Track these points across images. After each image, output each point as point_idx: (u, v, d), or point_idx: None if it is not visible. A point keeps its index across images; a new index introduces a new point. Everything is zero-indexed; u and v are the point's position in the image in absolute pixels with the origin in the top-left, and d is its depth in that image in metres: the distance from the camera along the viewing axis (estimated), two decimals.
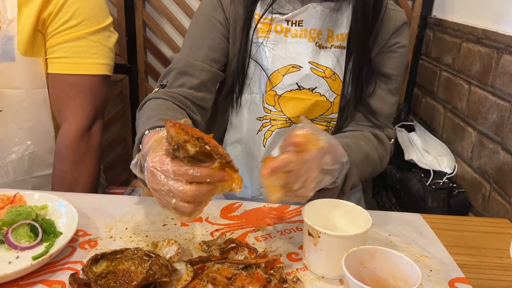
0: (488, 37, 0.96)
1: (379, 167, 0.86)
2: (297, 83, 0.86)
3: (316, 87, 0.86)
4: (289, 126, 0.88)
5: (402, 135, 1.20)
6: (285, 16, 0.85)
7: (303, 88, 0.86)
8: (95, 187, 1.00)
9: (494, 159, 0.91)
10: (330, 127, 0.90)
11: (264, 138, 0.90)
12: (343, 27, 0.85)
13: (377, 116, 0.87)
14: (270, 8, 0.86)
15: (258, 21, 0.86)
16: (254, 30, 0.87)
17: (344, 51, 0.86)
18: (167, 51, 1.41)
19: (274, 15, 0.86)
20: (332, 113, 0.88)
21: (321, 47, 0.86)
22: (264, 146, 0.91)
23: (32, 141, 0.97)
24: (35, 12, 0.90)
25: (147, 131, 0.68)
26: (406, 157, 1.12)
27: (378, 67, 0.88)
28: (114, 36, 1.01)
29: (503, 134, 0.88)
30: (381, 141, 0.85)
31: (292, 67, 0.86)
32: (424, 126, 1.25)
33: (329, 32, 0.86)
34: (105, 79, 0.99)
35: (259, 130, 0.91)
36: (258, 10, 0.87)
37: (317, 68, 0.86)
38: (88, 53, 0.94)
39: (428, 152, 1.14)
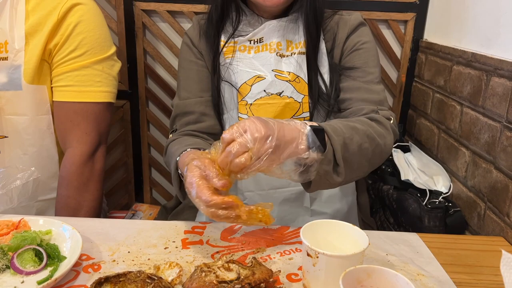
0: (477, 60, 0.99)
1: (381, 144, 0.82)
2: (264, 90, 0.95)
3: (282, 91, 0.95)
4: None
5: (398, 156, 1.22)
6: (246, 37, 0.98)
7: (271, 94, 0.95)
8: (98, 212, 1.01)
9: (488, 178, 0.93)
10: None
11: None
12: (300, 36, 0.97)
13: (368, 104, 0.91)
14: (232, 34, 0.98)
15: (224, 46, 0.98)
16: (221, 54, 0.99)
17: (304, 56, 0.96)
18: (167, 77, 1.45)
19: (237, 38, 0.98)
20: (303, 112, 0.96)
21: (282, 56, 0.97)
22: None
23: (36, 167, 0.98)
24: (42, 42, 0.93)
25: (178, 157, 0.82)
26: (403, 177, 1.14)
27: (351, 66, 0.96)
28: (118, 65, 1.04)
29: (495, 154, 0.90)
30: (377, 121, 0.85)
31: (258, 77, 0.96)
32: (419, 146, 1.27)
33: (288, 42, 0.98)
34: (108, 106, 1.02)
35: None
36: (223, 38, 0.99)
37: (280, 74, 0.96)
38: (92, 81, 0.98)
39: (424, 172, 1.16)
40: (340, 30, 0.98)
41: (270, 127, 0.65)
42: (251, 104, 0.95)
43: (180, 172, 0.81)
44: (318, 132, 0.70)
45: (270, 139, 0.64)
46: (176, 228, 0.82)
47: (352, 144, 0.75)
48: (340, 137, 0.73)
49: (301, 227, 0.65)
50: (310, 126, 0.70)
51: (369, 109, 0.89)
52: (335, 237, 0.67)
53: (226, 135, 0.66)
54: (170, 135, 1.00)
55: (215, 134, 0.99)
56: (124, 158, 1.52)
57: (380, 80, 0.97)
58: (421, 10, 1.33)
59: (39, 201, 1.01)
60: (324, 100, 0.95)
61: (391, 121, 0.88)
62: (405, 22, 1.35)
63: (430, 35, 1.32)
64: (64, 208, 0.97)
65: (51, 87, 0.98)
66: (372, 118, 0.85)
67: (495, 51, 0.95)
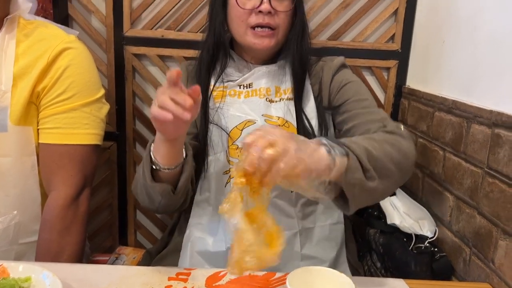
0: (458, 108, 1.02)
1: (403, 147, 0.83)
2: None
3: None
4: None
5: (384, 199, 1.23)
6: (236, 82, 1.01)
7: None
8: (80, 256, 0.99)
9: (472, 223, 0.94)
10: None
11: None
12: (288, 82, 1.01)
13: (373, 123, 0.91)
14: (222, 79, 1.01)
15: (212, 90, 1.01)
16: (210, 98, 1.00)
17: (292, 101, 0.99)
18: None
19: (226, 83, 1.01)
20: None
21: (271, 101, 1.00)
22: None
23: (18, 209, 0.97)
24: (30, 85, 0.93)
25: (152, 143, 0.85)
26: (389, 221, 1.14)
27: (343, 101, 0.98)
28: (106, 107, 1.05)
29: (478, 199, 0.92)
30: (389, 132, 0.86)
31: (248, 121, 0.98)
32: (404, 190, 1.28)
33: (276, 88, 1.01)
34: (95, 149, 1.01)
35: (226, 183, 0.98)
36: (212, 82, 1.02)
37: (270, 119, 0.98)
38: (80, 124, 0.98)
39: (409, 216, 1.17)
40: (325, 74, 1.02)
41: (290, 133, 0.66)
42: (241, 148, 0.96)
43: (152, 155, 0.84)
44: (336, 142, 0.71)
45: (292, 137, 0.64)
46: (160, 274, 0.80)
47: (374, 150, 0.76)
48: (360, 145, 0.74)
49: (288, 273, 0.64)
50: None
51: (376, 126, 0.89)
52: (321, 284, 0.67)
53: (248, 139, 0.64)
54: None
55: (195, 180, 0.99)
56: (109, 199, 1.50)
57: (375, 104, 0.98)
58: (403, 58, 1.38)
59: (19, 245, 0.98)
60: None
61: (402, 128, 0.89)
62: (388, 69, 1.40)
63: (412, 81, 1.37)
64: (46, 252, 0.95)
65: (38, 129, 0.98)
66: (383, 131, 0.86)
67: (473, 99, 0.98)
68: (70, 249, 0.96)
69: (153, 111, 0.71)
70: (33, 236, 0.98)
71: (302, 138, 0.68)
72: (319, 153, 0.67)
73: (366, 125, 0.92)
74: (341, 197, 0.75)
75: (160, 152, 0.83)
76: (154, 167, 0.84)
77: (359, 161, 0.72)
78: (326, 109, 1.01)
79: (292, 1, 0.97)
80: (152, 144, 0.85)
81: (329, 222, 1.04)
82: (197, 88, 0.73)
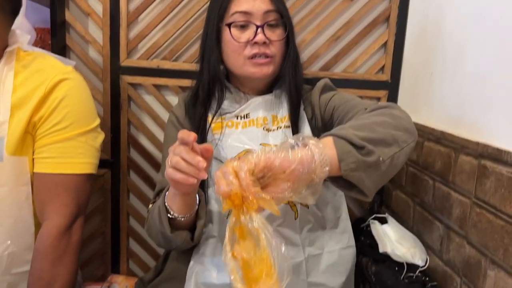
0: (446, 138, 1.05)
1: (393, 114, 0.82)
2: None
3: None
4: None
5: (376, 228, 1.24)
6: (233, 113, 1.03)
7: None
8: (73, 286, 0.99)
9: (461, 253, 0.95)
10: None
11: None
12: (284, 111, 1.03)
13: (362, 106, 0.93)
14: (220, 112, 1.03)
15: (211, 123, 1.03)
16: (208, 130, 1.02)
17: (290, 129, 1.01)
18: (150, 147, 1.47)
19: (224, 115, 1.03)
20: None
21: (268, 130, 1.02)
22: None
23: (11, 239, 0.97)
24: (27, 115, 0.94)
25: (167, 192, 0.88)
26: (381, 250, 1.15)
27: (332, 111, 1.00)
28: (101, 137, 1.06)
29: (467, 229, 0.93)
30: (375, 109, 0.86)
31: (247, 151, 0.98)
32: (396, 218, 1.30)
33: (273, 117, 1.03)
34: (89, 178, 1.02)
35: (228, 215, 0.97)
36: (210, 116, 1.04)
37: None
38: (75, 153, 0.99)
39: (401, 244, 1.18)
40: (313, 96, 1.05)
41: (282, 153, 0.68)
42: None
43: (167, 205, 0.87)
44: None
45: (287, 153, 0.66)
46: None
47: (362, 126, 0.75)
48: (345, 127, 0.76)
49: None
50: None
51: (364, 106, 0.91)
52: None
53: (252, 160, 0.66)
54: (150, 205, 1.00)
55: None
56: (102, 227, 1.50)
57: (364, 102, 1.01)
58: (393, 88, 1.42)
59: (12, 275, 0.98)
60: None
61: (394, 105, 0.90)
62: (379, 99, 1.43)
63: None
64: (38, 282, 0.94)
65: (33, 159, 0.99)
66: (369, 110, 0.86)
67: (461, 130, 1.01)
68: (62, 279, 0.96)
69: (169, 173, 0.75)
70: (26, 266, 0.98)
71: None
72: (289, 152, 0.68)
73: (354, 109, 0.93)
74: (353, 187, 0.74)
75: (175, 203, 0.87)
76: (169, 215, 0.88)
77: (349, 142, 0.72)
78: (321, 130, 1.03)
79: (284, 30, 1.00)
80: (167, 193, 0.88)
81: (339, 247, 1.04)
82: (209, 148, 0.76)
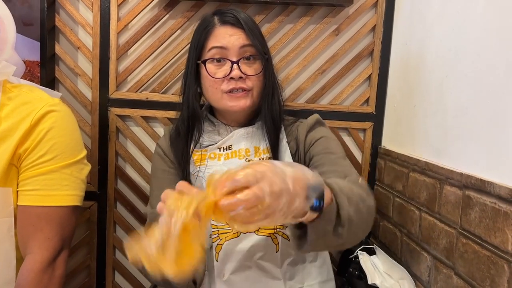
0: (430, 169, 1.07)
1: (367, 204, 0.81)
2: None
3: None
4: (237, 236, 0.96)
5: (364, 259, 1.24)
6: (216, 145, 1.04)
7: None
8: None
9: (449, 284, 0.95)
10: (278, 229, 0.98)
11: (216, 252, 0.97)
12: (266, 142, 1.03)
13: (338, 175, 0.91)
14: (200, 144, 1.04)
15: (193, 155, 1.03)
16: (191, 163, 1.02)
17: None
18: (137, 179, 1.47)
19: (207, 147, 1.04)
20: None
21: (250, 161, 0.99)
22: (217, 261, 0.97)
23: None
24: (12, 147, 0.93)
25: None
26: (370, 281, 1.14)
27: (314, 155, 1.01)
28: (87, 168, 1.06)
29: (454, 260, 0.94)
30: (362, 185, 0.86)
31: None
32: (384, 249, 1.30)
33: (256, 148, 1.04)
34: (74, 210, 1.01)
35: (210, 248, 0.97)
36: (192, 147, 1.04)
37: None
38: (59, 185, 0.98)
39: (390, 276, 1.17)
40: (300, 131, 1.06)
41: (285, 182, 0.58)
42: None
43: None
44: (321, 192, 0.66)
45: (284, 195, 0.57)
46: None
47: (353, 208, 0.72)
48: (344, 198, 0.71)
49: None
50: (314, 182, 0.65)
51: (337, 176, 0.90)
52: None
53: (240, 177, 0.56)
54: None
55: None
56: (87, 261, 1.47)
57: (345, 157, 1.02)
58: (378, 120, 1.45)
59: None
60: None
61: (360, 178, 0.88)
62: (364, 130, 1.46)
63: (387, 142, 1.43)
64: None
65: (17, 191, 0.97)
66: (351, 181, 0.85)
67: (445, 161, 1.03)
68: None
69: None
70: None
71: (297, 174, 0.61)
72: (300, 204, 0.60)
73: (329, 174, 0.94)
74: (300, 231, 0.71)
75: None
76: None
77: (337, 214, 0.70)
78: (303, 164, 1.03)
79: (261, 64, 1.01)
80: None
81: (319, 280, 1.04)
82: None
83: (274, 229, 0.97)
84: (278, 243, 0.99)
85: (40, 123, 0.96)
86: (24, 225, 0.96)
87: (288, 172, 0.59)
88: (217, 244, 0.97)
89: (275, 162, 0.61)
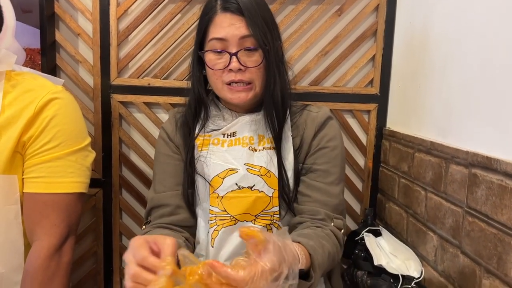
0: (436, 149, 1.06)
1: (336, 262, 0.91)
2: (236, 183, 0.97)
3: (254, 185, 0.97)
4: (235, 224, 0.96)
5: (370, 240, 1.24)
6: (220, 131, 1.02)
7: (243, 187, 0.97)
8: None
9: (456, 263, 0.95)
10: (274, 221, 0.98)
11: (211, 238, 0.98)
12: (271, 132, 1.00)
13: (324, 207, 0.95)
14: (205, 129, 1.03)
15: (196, 139, 1.03)
16: (195, 147, 1.02)
17: (274, 151, 0.99)
18: (141, 165, 1.47)
19: (211, 132, 1.03)
20: (273, 206, 0.97)
21: (254, 150, 1.00)
22: (213, 247, 0.97)
23: (0, 259, 0.95)
24: (16, 135, 0.94)
25: None
26: (376, 262, 1.14)
27: (314, 165, 1.00)
28: (92, 155, 1.06)
29: (460, 238, 0.93)
30: (338, 238, 0.92)
31: (230, 170, 0.98)
32: (389, 230, 1.30)
33: (260, 137, 1.02)
34: (80, 197, 1.01)
35: (207, 233, 0.98)
36: (197, 130, 1.03)
37: (252, 168, 0.98)
38: (65, 173, 0.98)
39: (396, 257, 1.17)
40: (308, 127, 1.02)
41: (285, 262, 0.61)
42: (222, 197, 0.97)
43: None
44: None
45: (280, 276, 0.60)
46: None
47: (322, 274, 0.84)
48: (319, 276, 0.78)
49: None
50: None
51: (325, 214, 0.94)
52: None
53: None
54: (143, 227, 1.00)
55: (189, 227, 1.01)
56: (94, 248, 1.48)
57: (341, 179, 1.01)
58: (382, 101, 1.43)
59: None
60: (286, 196, 0.98)
61: (342, 231, 0.95)
62: (368, 112, 1.45)
63: (392, 123, 1.41)
64: None
65: (22, 178, 0.98)
66: (334, 232, 0.92)
67: (450, 140, 1.02)
68: None
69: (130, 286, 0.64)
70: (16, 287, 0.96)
71: (294, 254, 0.64)
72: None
73: (319, 205, 0.96)
74: None
75: None
76: None
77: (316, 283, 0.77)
78: (301, 162, 1.02)
79: (261, 55, 0.96)
80: None
81: None
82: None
83: (270, 220, 0.97)
84: None
85: (44, 111, 0.96)
86: (30, 212, 0.97)
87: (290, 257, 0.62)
88: (214, 230, 0.97)
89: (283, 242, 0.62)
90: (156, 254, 0.64)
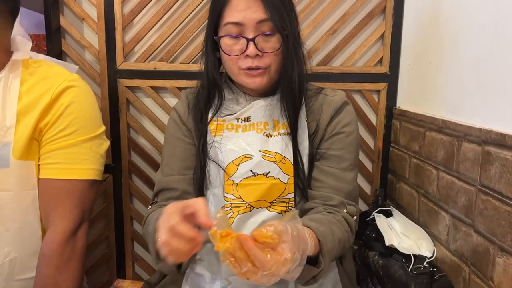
0: (448, 127, 1.04)
1: (346, 249, 0.92)
2: (251, 170, 0.95)
3: (269, 172, 0.95)
4: (250, 211, 0.95)
5: (381, 221, 1.23)
6: (234, 116, 1.00)
7: (258, 174, 0.95)
8: None
9: (469, 242, 0.94)
10: (289, 207, 0.96)
11: None
12: (286, 117, 0.98)
13: (338, 193, 0.95)
14: (219, 113, 1.00)
15: (209, 123, 1.01)
16: (208, 132, 0.99)
17: (290, 136, 0.98)
18: (150, 150, 1.47)
19: (224, 117, 1.00)
20: (288, 193, 0.95)
21: (269, 136, 0.98)
22: None
23: (17, 244, 0.97)
24: (33, 121, 0.95)
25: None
26: (387, 243, 1.14)
27: (329, 151, 0.99)
28: (106, 144, 1.06)
29: (473, 217, 0.92)
30: (350, 225, 0.92)
31: (245, 157, 0.96)
32: (401, 210, 1.29)
33: (275, 122, 0.99)
34: (94, 184, 1.02)
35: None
36: (210, 115, 1.01)
37: (267, 155, 0.96)
38: (79, 159, 0.99)
39: (407, 237, 1.17)
40: (324, 112, 1.00)
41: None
42: (237, 184, 0.95)
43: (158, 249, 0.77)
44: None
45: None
46: None
47: (332, 261, 0.84)
48: (328, 262, 0.79)
49: None
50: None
51: (339, 200, 0.94)
52: None
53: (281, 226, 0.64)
54: (149, 207, 1.00)
55: None
56: (106, 232, 1.49)
57: (355, 165, 1.00)
58: (392, 80, 1.41)
59: (17, 281, 0.97)
60: (301, 183, 0.97)
61: (354, 218, 0.94)
62: (378, 91, 1.42)
63: (402, 103, 1.39)
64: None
65: (38, 164, 0.99)
66: (346, 219, 0.92)
67: (462, 118, 1.00)
68: (67, 285, 0.95)
69: (164, 252, 0.67)
70: (32, 272, 0.97)
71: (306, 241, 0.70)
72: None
73: (332, 191, 0.95)
74: None
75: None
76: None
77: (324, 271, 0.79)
78: (315, 147, 1.00)
79: (278, 40, 0.93)
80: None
81: None
82: (209, 223, 0.67)
83: (285, 206, 0.96)
84: None
85: (60, 98, 0.97)
86: (45, 198, 0.98)
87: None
88: (230, 218, 0.95)
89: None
90: (189, 217, 0.67)
